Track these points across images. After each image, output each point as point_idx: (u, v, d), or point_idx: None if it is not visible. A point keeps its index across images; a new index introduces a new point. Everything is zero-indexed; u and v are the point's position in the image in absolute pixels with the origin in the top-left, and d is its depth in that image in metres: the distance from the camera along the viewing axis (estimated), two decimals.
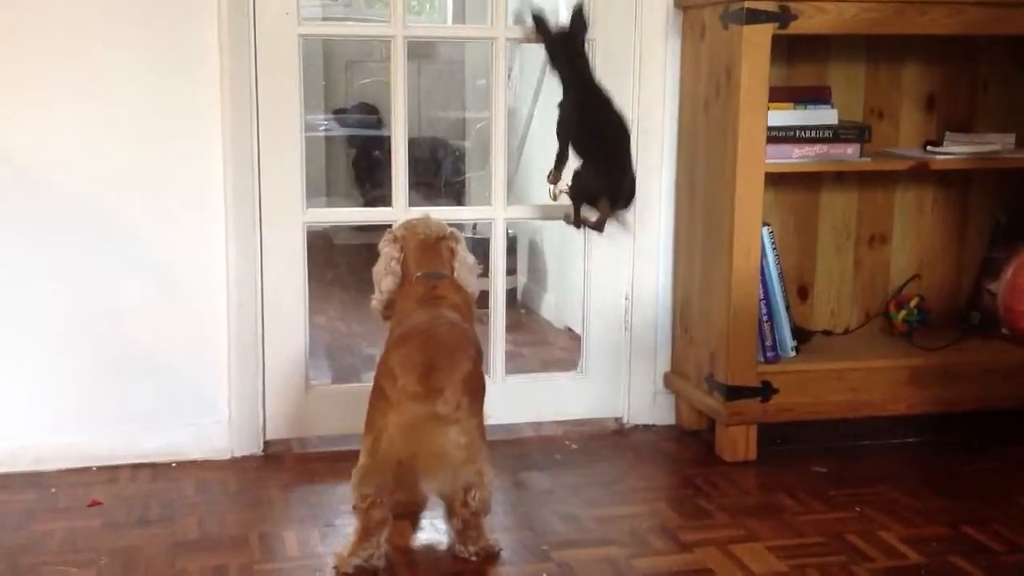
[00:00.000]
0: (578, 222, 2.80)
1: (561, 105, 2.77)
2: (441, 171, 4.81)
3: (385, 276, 2.47)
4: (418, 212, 2.64)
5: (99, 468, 2.70)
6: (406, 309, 2.38)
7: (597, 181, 2.73)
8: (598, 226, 2.79)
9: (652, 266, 3.03)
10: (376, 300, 2.49)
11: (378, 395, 2.18)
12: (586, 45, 2.77)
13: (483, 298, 3.29)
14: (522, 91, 4.38)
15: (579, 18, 2.74)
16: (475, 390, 2.22)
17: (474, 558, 2.23)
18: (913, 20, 2.69)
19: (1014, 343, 2.97)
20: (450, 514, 2.26)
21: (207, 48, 2.65)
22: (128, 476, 2.67)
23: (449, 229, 2.54)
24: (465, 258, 2.49)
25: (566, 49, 2.75)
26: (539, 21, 2.75)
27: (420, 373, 2.12)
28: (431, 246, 2.48)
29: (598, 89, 2.76)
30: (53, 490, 2.58)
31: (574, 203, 2.78)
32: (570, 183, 2.77)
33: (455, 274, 2.46)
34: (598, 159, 2.73)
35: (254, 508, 2.51)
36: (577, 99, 2.74)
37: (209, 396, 2.78)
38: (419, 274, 2.43)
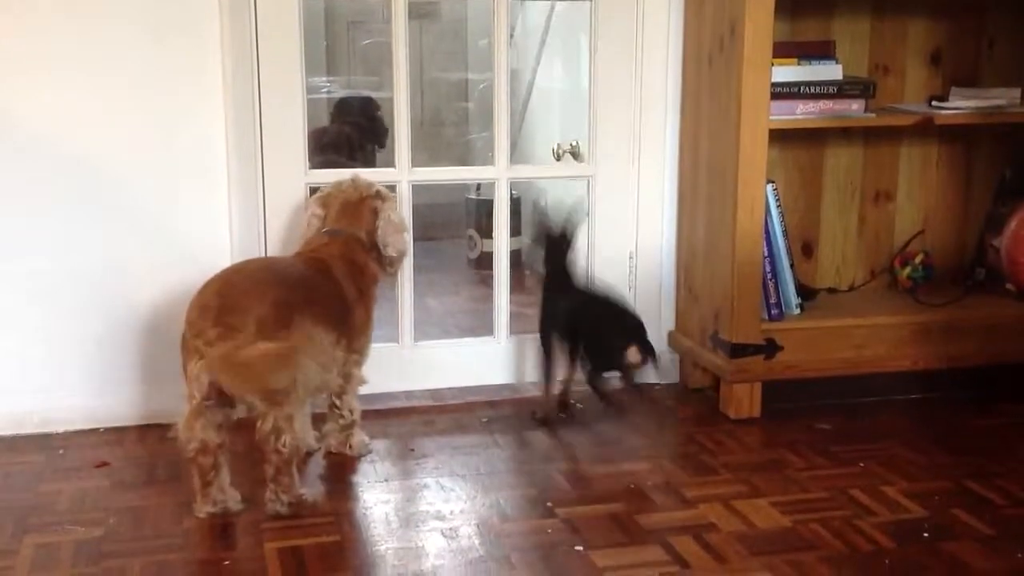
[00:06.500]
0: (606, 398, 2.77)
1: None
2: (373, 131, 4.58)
3: (305, 235, 2.56)
4: (349, 174, 2.65)
5: (106, 429, 2.72)
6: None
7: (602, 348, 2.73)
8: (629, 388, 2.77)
9: (656, 224, 3.02)
10: None
11: (182, 346, 2.24)
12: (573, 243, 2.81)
13: (487, 260, 3.29)
14: (525, 51, 4.35)
15: (571, 224, 2.80)
16: (286, 322, 2.21)
17: (284, 510, 2.23)
18: None
19: (1018, 299, 2.97)
20: (263, 460, 2.25)
21: (207, 9, 2.63)
22: (135, 437, 2.69)
23: (376, 188, 2.60)
24: (390, 217, 2.55)
25: (559, 246, 2.80)
26: (544, 227, 2.81)
27: (214, 316, 2.18)
28: (353, 206, 2.54)
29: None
30: (61, 451, 2.60)
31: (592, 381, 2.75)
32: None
33: (378, 232, 2.52)
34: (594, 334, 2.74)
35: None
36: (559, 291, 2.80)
37: None
38: (324, 230, 2.52)
